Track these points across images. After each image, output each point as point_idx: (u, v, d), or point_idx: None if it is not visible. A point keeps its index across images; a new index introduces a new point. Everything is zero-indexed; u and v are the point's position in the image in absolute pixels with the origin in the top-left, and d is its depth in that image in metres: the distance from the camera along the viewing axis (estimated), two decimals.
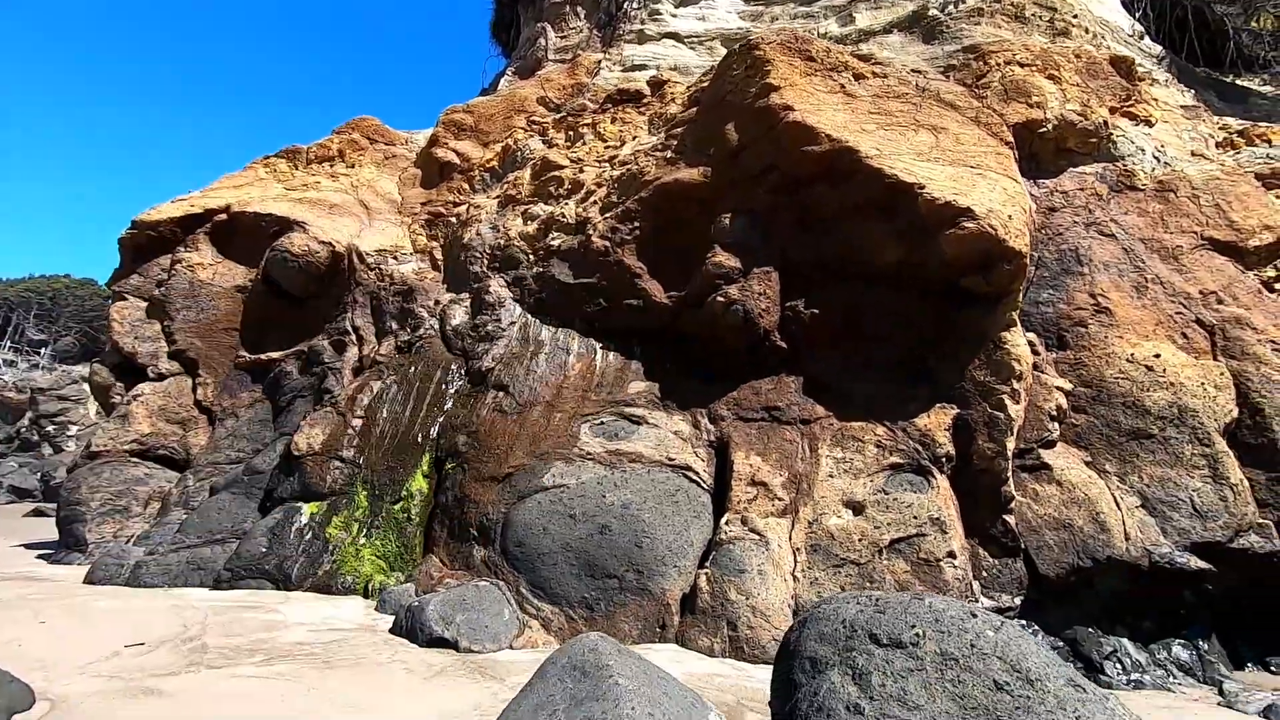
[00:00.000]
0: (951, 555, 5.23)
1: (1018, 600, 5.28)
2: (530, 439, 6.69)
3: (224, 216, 10.02)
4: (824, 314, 6.55)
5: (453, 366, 7.78)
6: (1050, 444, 5.81)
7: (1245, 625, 5.64)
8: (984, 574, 5.42)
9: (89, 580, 6.56)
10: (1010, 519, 5.49)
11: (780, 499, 5.84)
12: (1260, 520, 5.32)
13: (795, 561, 5.47)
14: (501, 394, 7.26)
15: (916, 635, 2.32)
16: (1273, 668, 5.37)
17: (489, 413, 7.13)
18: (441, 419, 7.31)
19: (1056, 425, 5.85)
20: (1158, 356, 5.93)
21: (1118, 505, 5.42)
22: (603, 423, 6.75)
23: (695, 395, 6.87)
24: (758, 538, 5.54)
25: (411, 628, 5.08)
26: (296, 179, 10.84)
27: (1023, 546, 5.43)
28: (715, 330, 6.85)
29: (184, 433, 9.17)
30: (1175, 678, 5.15)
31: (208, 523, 7.21)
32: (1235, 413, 5.70)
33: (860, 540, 5.43)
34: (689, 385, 6.99)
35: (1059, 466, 5.70)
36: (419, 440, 7.18)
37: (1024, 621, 5.30)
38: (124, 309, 9.65)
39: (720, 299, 6.70)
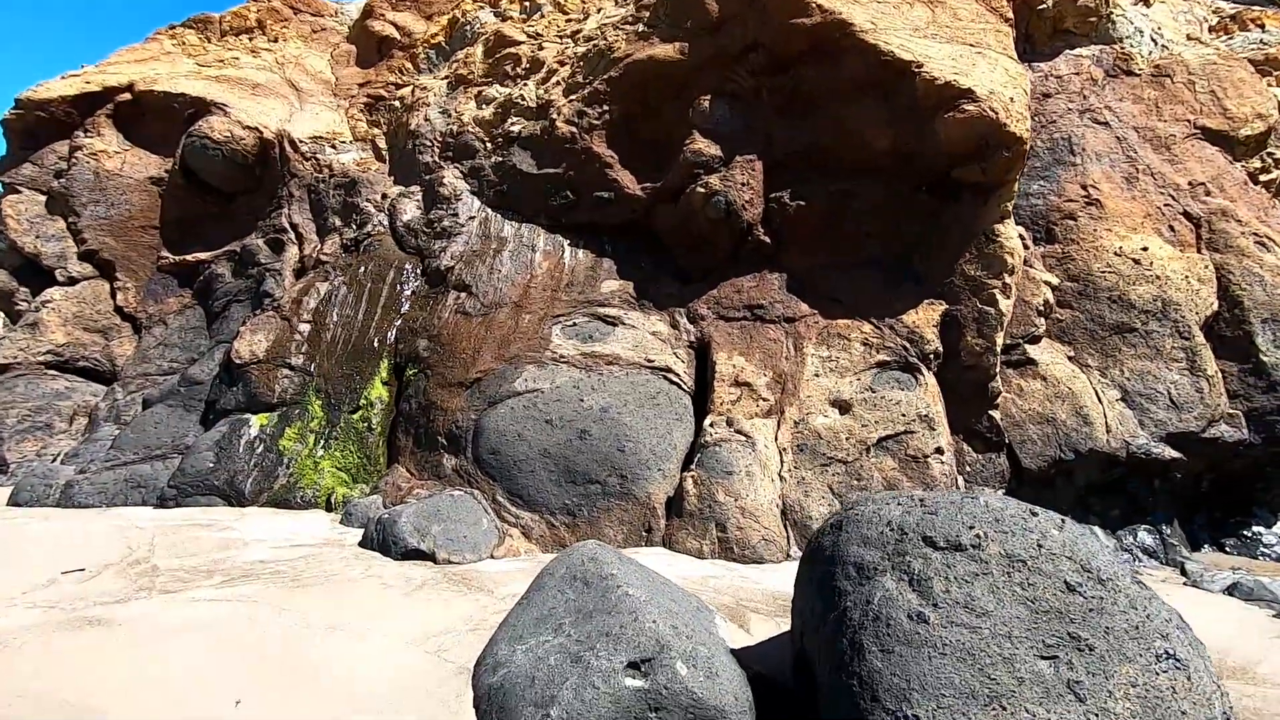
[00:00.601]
0: (939, 451, 5.18)
1: (1000, 494, 5.31)
2: (498, 342, 6.26)
3: (127, 96, 8.76)
4: (810, 207, 6.18)
5: (407, 266, 7.15)
6: (1036, 339, 5.73)
7: (1202, 509, 5.88)
8: (967, 469, 5.42)
9: (13, 503, 5.99)
10: (996, 414, 5.45)
11: (765, 399, 5.65)
12: (1230, 410, 5.42)
13: (782, 462, 5.34)
14: (464, 295, 6.73)
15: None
16: (1227, 548, 5.64)
17: (451, 315, 6.62)
18: (399, 322, 6.77)
19: (1043, 321, 5.75)
20: (1145, 250, 5.83)
21: (1099, 399, 5.43)
22: (575, 324, 6.35)
23: (673, 294, 6.51)
24: (744, 439, 5.36)
25: (384, 540, 4.78)
26: (210, 54, 9.52)
27: (1006, 441, 5.42)
28: (694, 224, 6.41)
29: (106, 342, 8.34)
30: (1141, 561, 5.35)
31: (144, 438, 6.63)
32: (1215, 306, 5.70)
33: (848, 439, 5.32)
34: (666, 284, 6.60)
35: (1044, 361, 5.65)
36: (375, 346, 6.65)
37: None
38: (18, 203, 8.49)
39: (700, 190, 6.22)
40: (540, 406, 5.68)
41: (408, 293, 6.96)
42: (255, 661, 2.89)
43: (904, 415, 5.32)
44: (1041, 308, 5.75)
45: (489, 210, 7.37)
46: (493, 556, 4.82)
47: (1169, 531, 5.61)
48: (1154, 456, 5.31)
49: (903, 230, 6.04)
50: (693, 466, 5.30)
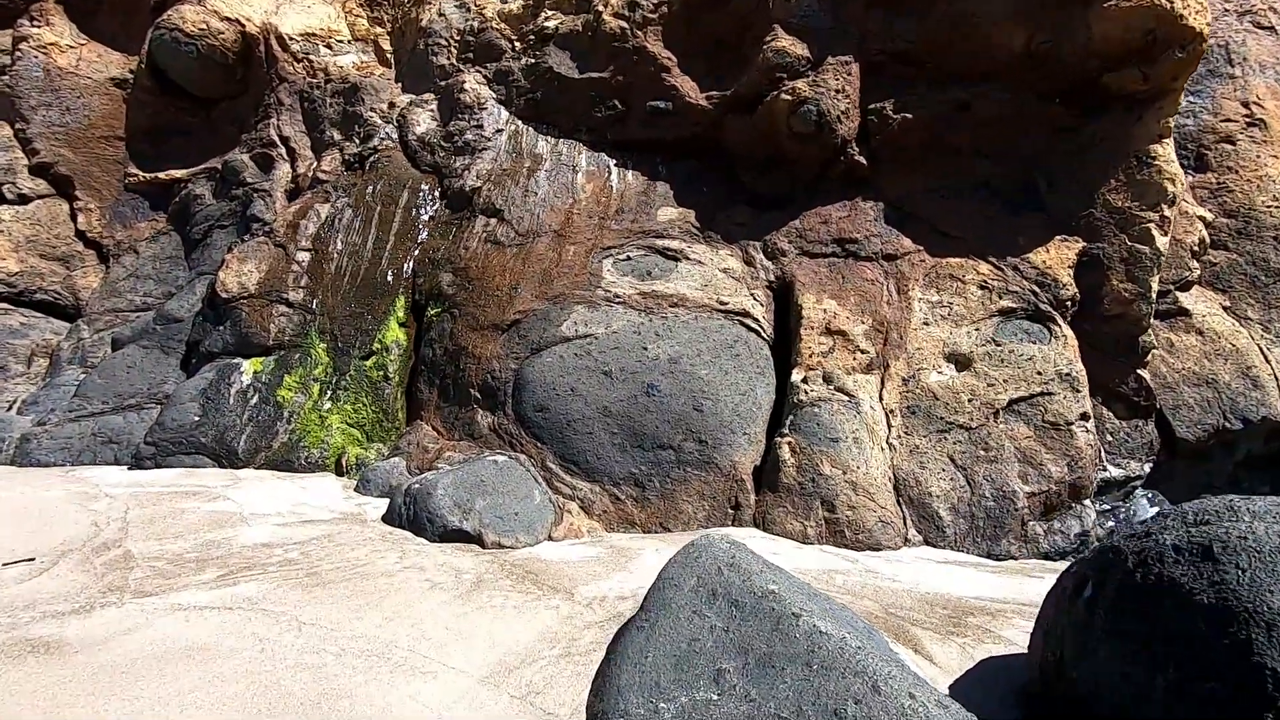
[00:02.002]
0: (1085, 418, 4.31)
1: (1147, 468, 4.49)
2: (538, 277, 5.25)
3: None
4: (914, 121, 5.13)
5: (423, 187, 6.05)
6: (1188, 286, 4.83)
7: None
8: (1109, 438, 4.58)
9: None
10: (1145, 374, 4.57)
11: (864, 351, 4.73)
12: None
13: (890, 426, 4.46)
14: (494, 221, 5.67)
15: None
16: None
17: (480, 244, 5.57)
18: (416, 252, 5.71)
19: (1196, 264, 4.83)
20: None
21: (1266, 357, 4.56)
22: (629, 258, 5.34)
23: (744, 225, 5.49)
24: (846, 398, 4.46)
25: (416, 517, 3.87)
26: None
27: (1157, 405, 4.57)
28: (774, 140, 5.35)
29: (68, 272, 7.21)
30: None
31: (115, 384, 5.61)
32: None
33: (970, 401, 4.43)
34: (735, 212, 5.57)
35: (1199, 312, 4.76)
36: (389, 279, 5.61)
37: (1150, 493, 4.56)
38: None
39: (785, 97, 5.13)
40: (595, 355, 4.72)
41: (425, 217, 5.88)
42: (271, 710, 1.99)
43: (1039, 373, 4.43)
44: (1195, 248, 4.82)
45: (519, 122, 6.23)
46: (550, 538, 3.93)
47: None
48: None
49: (1027, 151, 5.03)
50: (785, 430, 4.40)
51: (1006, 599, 3.23)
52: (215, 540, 3.49)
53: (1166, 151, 4.66)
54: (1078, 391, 4.36)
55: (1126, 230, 4.65)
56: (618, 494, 4.32)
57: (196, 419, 5.05)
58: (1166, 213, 4.59)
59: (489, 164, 6.01)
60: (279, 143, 7.06)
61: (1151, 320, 4.57)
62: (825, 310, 4.93)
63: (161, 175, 7.43)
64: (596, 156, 5.99)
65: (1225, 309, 4.80)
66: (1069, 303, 4.66)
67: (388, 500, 4.32)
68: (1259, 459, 4.63)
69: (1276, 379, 4.50)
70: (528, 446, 4.56)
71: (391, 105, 6.77)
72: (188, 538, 3.50)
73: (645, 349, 4.72)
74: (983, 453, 4.29)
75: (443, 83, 6.64)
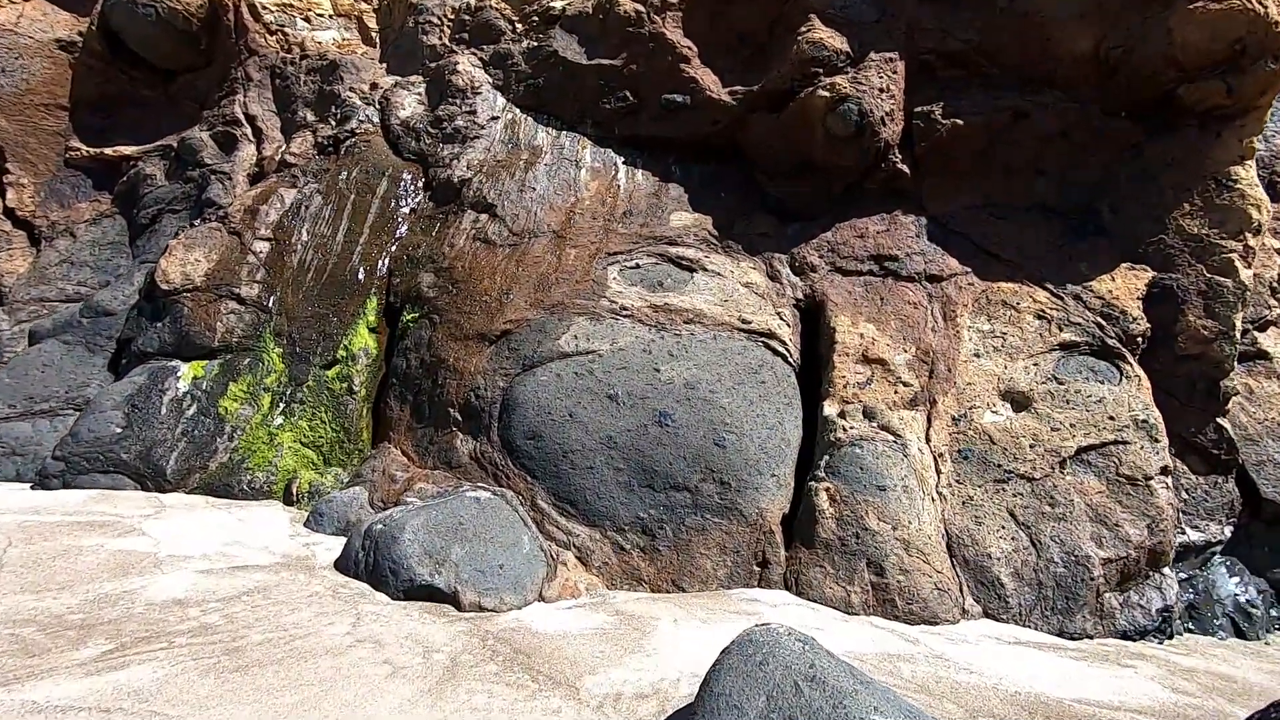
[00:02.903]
0: (1165, 472, 3.74)
1: (1228, 531, 3.93)
2: (534, 283, 4.57)
3: None
4: (965, 129, 4.59)
5: (405, 176, 5.35)
6: (1266, 326, 4.32)
7: None
8: (1184, 495, 4.01)
9: None
10: (1225, 424, 4.03)
11: (906, 384, 4.12)
12: None
13: (939, 473, 3.84)
14: (484, 217, 4.99)
15: None
16: None
17: (468, 242, 4.88)
18: (394, 248, 4.99)
19: (1276, 301, 4.33)
20: None
21: None
22: (638, 265, 4.69)
23: (768, 235, 4.89)
24: (892, 439, 3.84)
25: (377, 566, 3.14)
26: None
27: (1240, 460, 4.02)
28: (807, 142, 4.77)
29: None
30: None
31: (26, 384, 4.77)
32: None
33: (1032, 446, 3.84)
34: (758, 221, 4.97)
35: (1278, 355, 4.24)
36: (360, 278, 4.88)
37: (1228, 559, 4.00)
38: None
39: (823, 93, 4.56)
40: (599, 375, 4.05)
41: (406, 210, 5.17)
42: None
43: (1111, 419, 3.85)
44: (1276, 283, 4.32)
45: (517, 111, 5.59)
46: (542, 597, 3.22)
47: None
48: None
49: (1090, 168, 4.52)
50: (820, 473, 3.76)
51: (1112, 702, 2.60)
52: (113, 594, 2.72)
53: (1249, 175, 4.17)
54: (1156, 441, 3.80)
55: (1204, 260, 4.14)
56: (622, 543, 3.62)
57: (119, 431, 4.24)
58: (1250, 242, 4.09)
59: (481, 154, 5.34)
60: (244, 121, 6.32)
61: (1235, 363, 4.04)
62: (862, 335, 4.32)
63: (108, 151, 6.62)
64: (603, 152, 5.36)
65: None
66: (1140, 339, 4.12)
67: (343, 540, 3.58)
68: None
69: None
70: (515, 480, 3.85)
71: (374, 86, 6.07)
72: (77, 590, 2.72)
73: (657, 370, 4.06)
74: (1048, 508, 3.69)
75: (433, 64, 5.97)
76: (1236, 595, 3.90)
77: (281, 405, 4.44)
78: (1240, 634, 3.81)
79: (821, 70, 4.67)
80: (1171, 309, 4.16)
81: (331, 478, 4.21)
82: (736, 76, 5.16)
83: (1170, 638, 3.59)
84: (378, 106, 5.89)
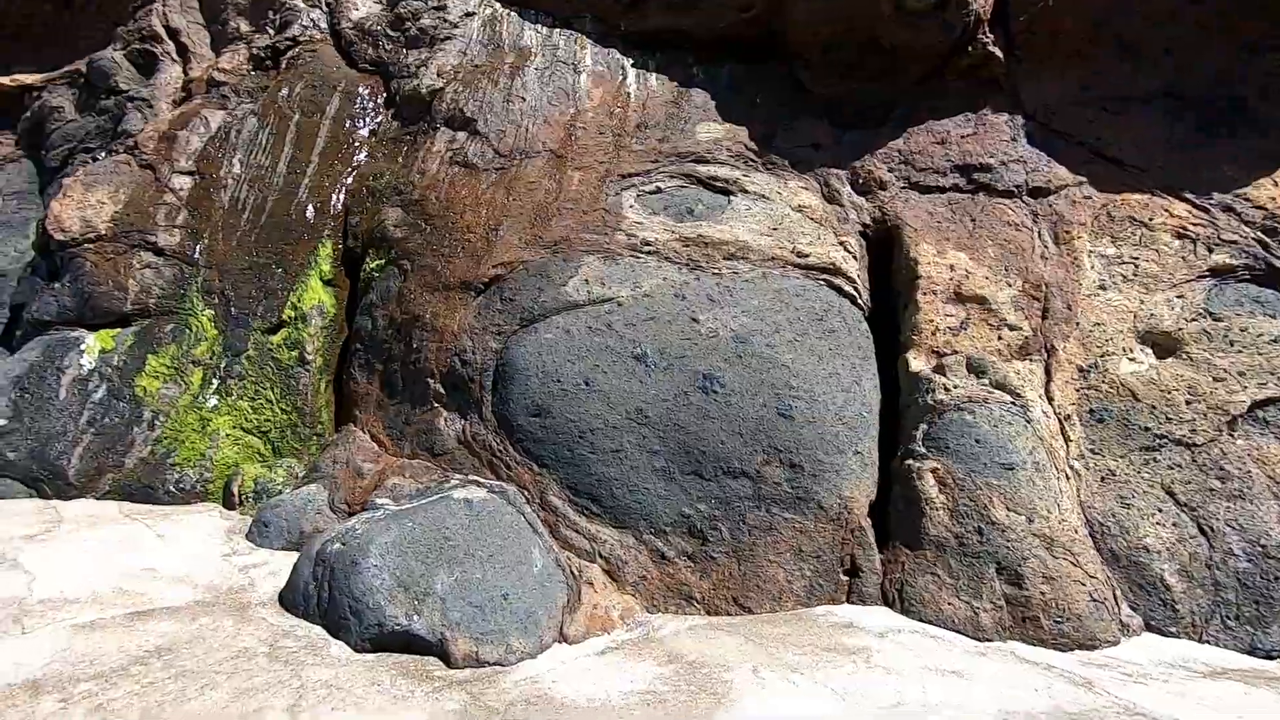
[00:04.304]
0: None
1: None
2: (530, 216, 3.59)
3: None
4: (1068, 5, 3.56)
5: (362, 90, 4.29)
6: None
7: None
8: None
9: None
10: None
11: (1014, 327, 3.20)
12: None
13: (1068, 441, 2.96)
14: (463, 135, 3.97)
15: None
16: None
17: (443, 168, 3.87)
18: (350, 180, 3.98)
19: None
20: None
21: None
22: (660, 190, 3.71)
23: (822, 147, 3.90)
24: (1010, 400, 2.94)
25: (333, 604, 2.26)
26: None
27: None
28: (867, 22, 3.73)
29: None
30: None
31: None
32: None
33: (1189, 403, 2.95)
34: (806, 129, 3.97)
35: None
36: (310, 217, 3.88)
37: None
38: None
39: None
40: (620, 330, 3.11)
41: (365, 132, 4.14)
42: None
43: None
44: None
45: (497, 5, 4.49)
46: (563, 636, 2.35)
47: None
48: None
49: (1232, 45, 3.52)
50: (919, 448, 2.87)
51: None
52: None
53: None
54: None
55: None
56: (664, 549, 2.74)
57: (3, 423, 3.30)
58: None
59: (455, 59, 4.27)
60: (165, 37, 5.18)
61: None
62: (952, 266, 3.38)
63: (6, 81, 5.49)
64: (606, 53, 4.30)
65: None
66: None
67: (295, 558, 2.69)
68: None
69: None
70: (519, 471, 2.94)
71: None
72: None
73: (695, 321, 3.12)
74: (1218, 484, 2.82)
75: None
76: None
77: (216, 382, 3.50)
78: None
79: None
80: None
81: (283, 472, 3.30)
82: None
83: None
84: (325, 9, 4.78)
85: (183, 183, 3.95)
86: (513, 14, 4.46)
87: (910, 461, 2.83)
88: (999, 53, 3.67)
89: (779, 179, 3.80)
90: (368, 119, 4.17)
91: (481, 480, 2.86)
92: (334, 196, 3.91)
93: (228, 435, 3.40)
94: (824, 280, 3.38)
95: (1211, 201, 3.38)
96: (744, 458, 2.81)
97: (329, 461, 3.21)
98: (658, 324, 3.13)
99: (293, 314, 3.62)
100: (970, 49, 3.65)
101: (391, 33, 4.47)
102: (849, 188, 3.74)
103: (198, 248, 3.79)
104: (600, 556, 2.72)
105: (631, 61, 4.29)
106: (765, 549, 2.69)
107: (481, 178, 3.79)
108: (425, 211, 3.71)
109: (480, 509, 2.57)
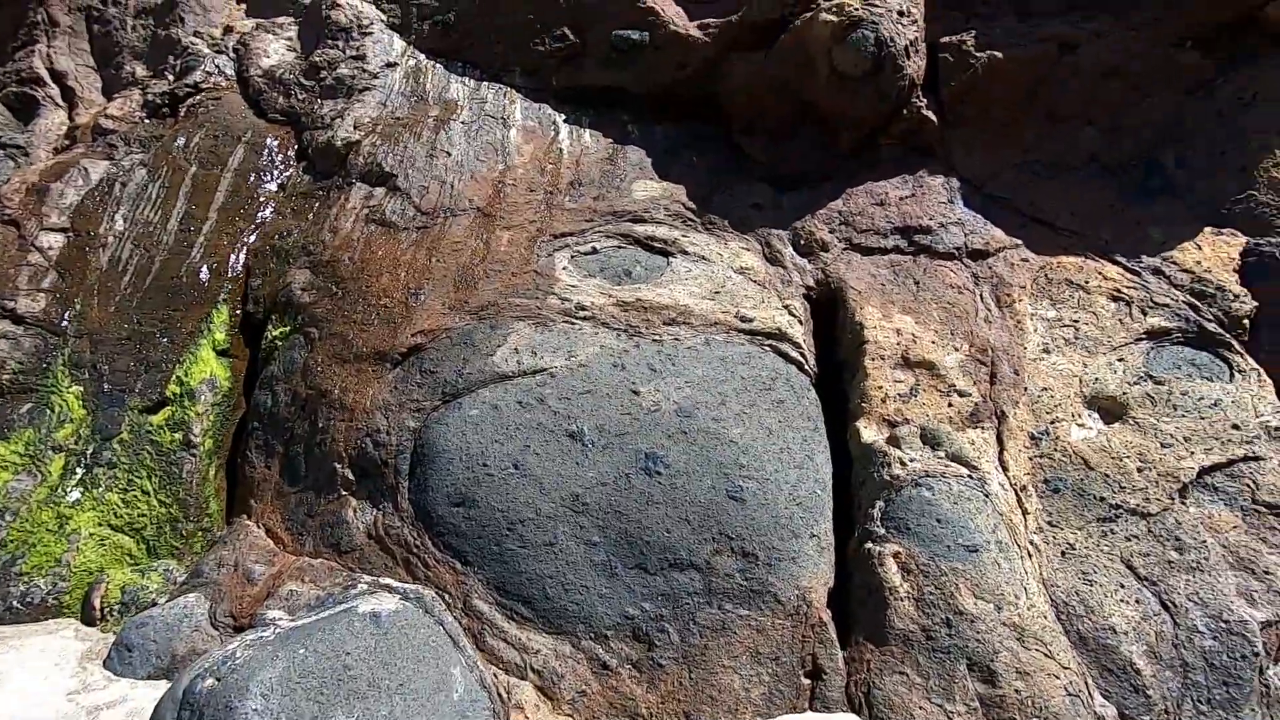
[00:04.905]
0: None
1: None
2: (455, 278, 3.30)
3: None
4: (1003, 65, 3.63)
5: (270, 142, 3.96)
6: None
7: None
8: None
9: None
10: None
11: (963, 393, 3.10)
12: None
13: (1025, 514, 2.83)
14: (382, 191, 3.68)
15: None
16: None
17: (358, 226, 3.56)
18: (252, 238, 3.61)
19: None
20: None
21: None
22: (595, 250, 3.50)
23: (762, 207, 3.80)
24: (968, 473, 2.79)
25: None
26: None
27: None
28: (804, 87, 3.70)
29: None
30: None
31: None
32: None
33: (1140, 470, 2.88)
34: (745, 190, 3.87)
35: None
36: (203, 279, 3.48)
37: None
38: None
39: (829, 16, 3.49)
40: (553, 404, 2.83)
41: (272, 186, 3.80)
42: None
43: (1235, 428, 2.95)
44: None
45: (421, 56, 4.29)
46: None
47: None
48: None
49: (1148, 111, 3.64)
50: (879, 528, 2.67)
51: None
52: None
53: None
54: None
55: None
56: (605, 657, 2.42)
57: None
58: None
59: (375, 110, 4.01)
60: (48, 80, 4.74)
61: None
62: (899, 330, 3.28)
63: None
64: (537, 108, 4.14)
65: None
66: (1245, 320, 3.24)
67: (162, 691, 2.22)
68: None
69: None
70: (439, 570, 2.58)
71: (228, 30, 4.63)
72: None
73: (636, 393, 2.88)
74: (1176, 555, 2.73)
75: (305, 1, 4.58)
76: None
77: (80, 471, 3.00)
78: None
79: None
80: (1270, 282, 3.31)
81: (158, 577, 2.82)
82: (705, 8, 4.05)
83: None
84: (232, 55, 4.45)
85: (52, 241, 3.48)
86: (438, 66, 4.25)
87: (870, 545, 2.62)
88: (933, 117, 3.68)
89: (719, 240, 3.66)
90: (275, 173, 3.83)
91: (394, 584, 2.48)
92: (233, 256, 3.52)
93: (91, 535, 2.89)
94: (770, 346, 3.21)
95: (1142, 265, 3.43)
96: (692, 547, 2.54)
97: (213, 564, 2.75)
98: (595, 397, 2.87)
99: (178, 390, 3.18)
100: (905, 113, 3.66)
101: (305, 82, 4.18)
102: (791, 249, 3.63)
103: (66, 315, 3.32)
104: (532, 670, 2.37)
105: (564, 117, 4.13)
106: (718, 652, 2.41)
107: (401, 237, 3.49)
108: (337, 273, 3.37)
109: (390, 625, 2.20)
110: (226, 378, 3.26)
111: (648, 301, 3.26)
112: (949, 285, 3.43)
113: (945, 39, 3.65)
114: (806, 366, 3.26)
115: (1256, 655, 2.55)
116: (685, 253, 3.53)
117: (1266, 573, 2.71)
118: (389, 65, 4.18)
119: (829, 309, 3.52)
